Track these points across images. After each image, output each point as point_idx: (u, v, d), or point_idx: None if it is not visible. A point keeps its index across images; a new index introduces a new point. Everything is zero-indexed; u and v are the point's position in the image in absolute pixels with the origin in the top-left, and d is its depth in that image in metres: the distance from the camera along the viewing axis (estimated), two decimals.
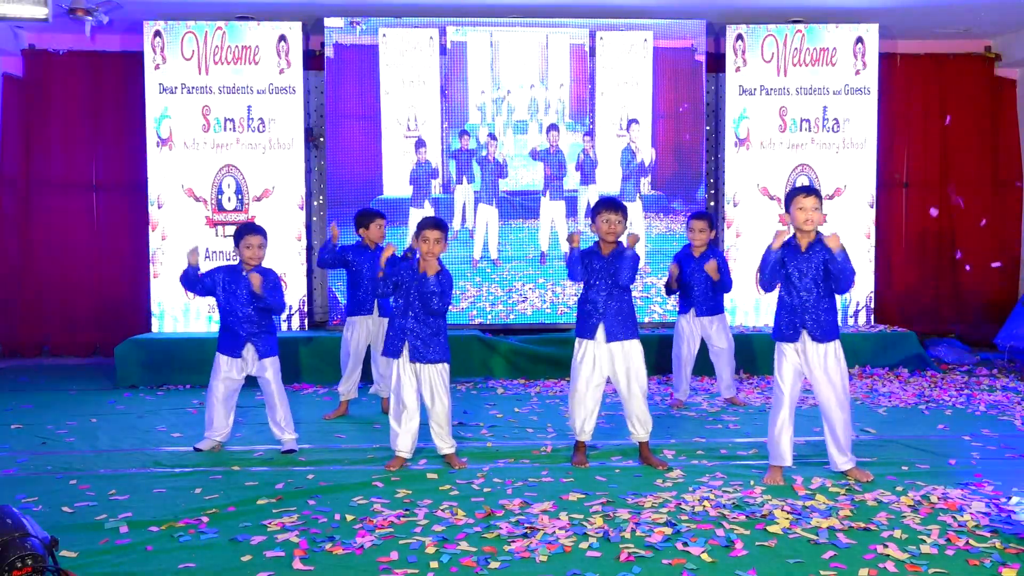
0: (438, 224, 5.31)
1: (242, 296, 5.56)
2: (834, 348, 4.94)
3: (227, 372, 5.62)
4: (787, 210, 5.04)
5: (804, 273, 4.90)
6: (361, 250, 6.68)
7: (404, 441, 5.34)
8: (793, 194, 4.97)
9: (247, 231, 5.63)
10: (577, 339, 5.31)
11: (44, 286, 9.45)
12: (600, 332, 5.19)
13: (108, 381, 8.18)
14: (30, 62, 9.42)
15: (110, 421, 6.66)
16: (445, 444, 5.39)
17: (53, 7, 6.08)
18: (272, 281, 5.61)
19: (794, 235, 4.97)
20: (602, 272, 5.20)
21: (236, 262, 5.74)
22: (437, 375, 5.31)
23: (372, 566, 3.81)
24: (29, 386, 8.07)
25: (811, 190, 4.96)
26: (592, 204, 5.34)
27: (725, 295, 7.04)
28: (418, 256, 5.29)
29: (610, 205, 5.22)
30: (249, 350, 5.60)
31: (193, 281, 5.62)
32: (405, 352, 5.28)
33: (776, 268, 4.95)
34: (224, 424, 5.71)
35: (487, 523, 4.31)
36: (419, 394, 5.33)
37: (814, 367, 4.93)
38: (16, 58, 9.41)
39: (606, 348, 5.19)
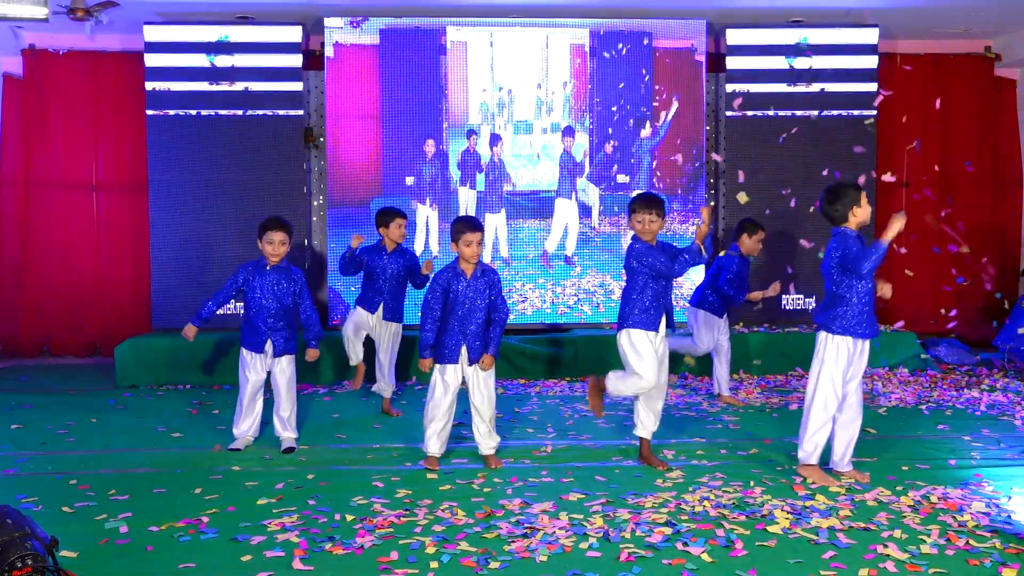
0: (478, 225, 5.35)
1: (264, 287, 5.58)
2: (818, 336, 5.05)
3: (252, 368, 5.65)
4: (848, 206, 4.95)
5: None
6: (377, 251, 6.60)
7: (440, 442, 5.38)
8: (857, 193, 4.95)
9: (269, 226, 5.62)
10: (642, 331, 5.20)
11: (44, 286, 9.45)
12: (663, 324, 5.25)
13: (108, 381, 8.18)
14: (30, 62, 9.42)
15: (110, 421, 6.66)
16: (491, 442, 5.42)
17: (53, 7, 6.10)
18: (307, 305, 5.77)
19: (859, 230, 4.99)
20: (661, 264, 5.18)
21: (259, 257, 5.72)
22: (490, 371, 5.37)
23: (372, 566, 3.81)
24: (29, 386, 8.07)
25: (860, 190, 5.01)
26: (630, 200, 5.33)
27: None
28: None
29: (645, 203, 5.20)
30: (269, 345, 5.63)
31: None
32: (463, 357, 5.31)
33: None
34: (248, 426, 5.77)
35: (487, 523, 4.32)
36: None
37: (859, 362, 4.98)
38: (16, 58, 9.41)
39: (662, 339, 5.26)
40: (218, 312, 5.82)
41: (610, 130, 8.97)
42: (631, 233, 5.33)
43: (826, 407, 4.96)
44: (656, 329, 5.22)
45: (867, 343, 4.99)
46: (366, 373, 6.91)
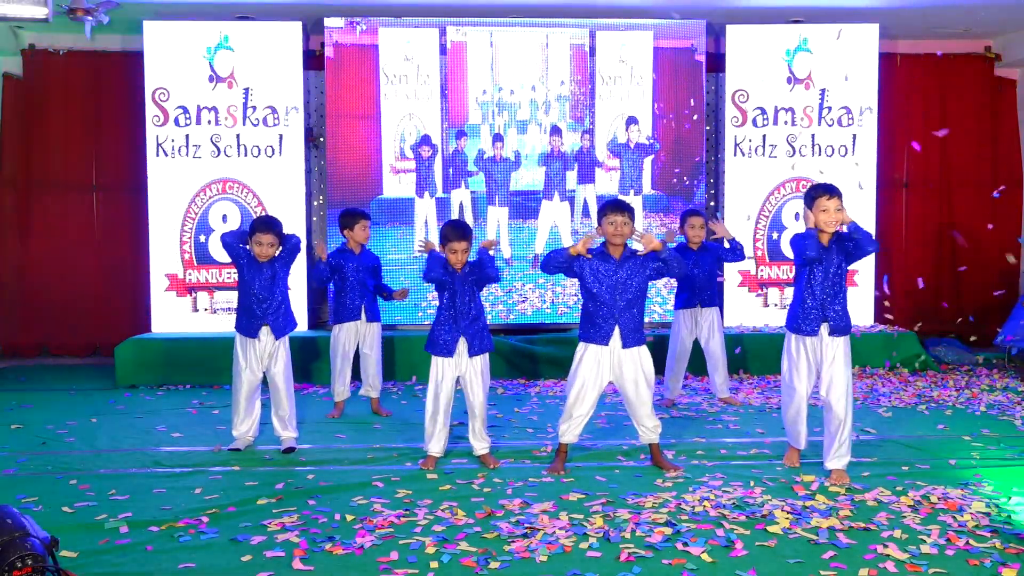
0: (465, 234, 5.29)
1: (261, 280, 5.58)
2: (844, 342, 4.98)
3: (245, 365, 5.63)
4: (808, 206, 4.95)
5: (828, 268, 4.93)
6: (346, 254, 6.61)
7: (440, 441, 5.37)
8: (815, 194, 4.89)
9: (259, 228, 5.61)
10: (582, 343, 5.18)
11: (44, 286, 9.45)
12: (615, 338, 5.10)
13: (108, 381, 8.18)
14: (30, 62, 9.42)
15: (110, 421, 6.66)
16: (484, 443, 5.43)
17: (53, 7, 6.10)
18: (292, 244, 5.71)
19: (815, 230, 4.94)
20: (613, 277, 5.08)
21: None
22: (484, 365, 5.36)
23: (372, 566, 3.81)
24: (29, 386, 8.07)
25: (834, 191, 4.89)
26: (598, 206, 5.29)
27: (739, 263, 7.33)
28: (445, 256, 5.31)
29: (615, 207, 5.10)
30: (265, 331, 5.61)
31: (232, 242, 5.66)
32: (460, 351, 5.29)
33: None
34: (247, 428, 5.76)
35: (487, 523, 4.31)
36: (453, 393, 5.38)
37: (826, 361, 4.96)
38: (16, 58, 9.41)
39: (619, 354, 5.10)
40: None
41: (610, 130, 8.97)
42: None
43: (788, 396, 5.12)
44: (597, 342, 5.10)
45: (835, 342, 4.94)
46: (353, 375, 6.86)
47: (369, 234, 6.71)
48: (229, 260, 5.92)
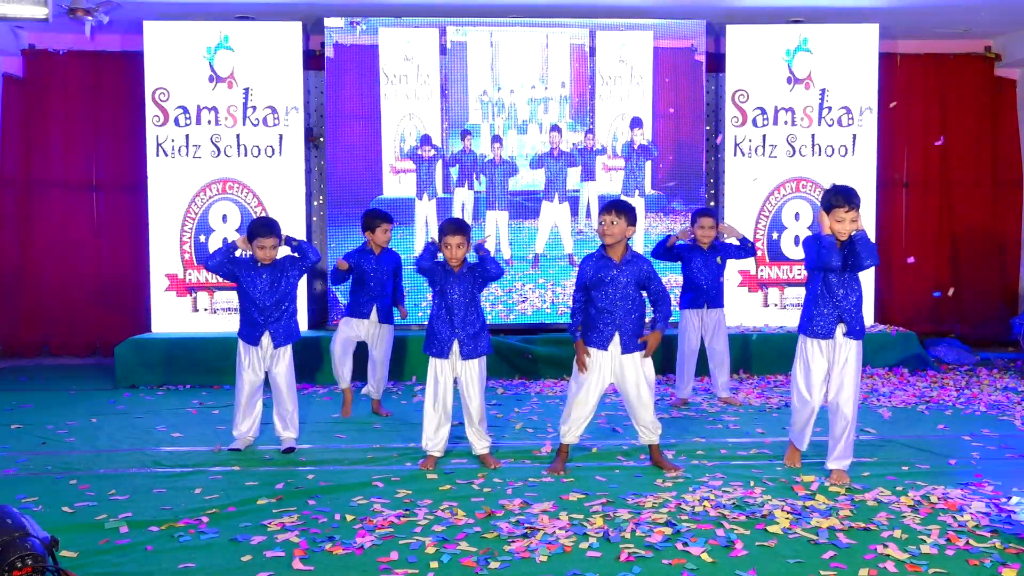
0: (460, 228, 5.31)
1: (260, 286, 5.58)
2: (857, 345, 4.97)
3: (248, 365, 5.63)
4: (825, 210, 4.93)
5: (842, 269, 4.91)
6: (365, 255, 6.62)
7: (440, 441, 5.37)
8: (835, 203, 4.86)
9: (261, 232, 5.58)
10: (584, 346, 5.17)
11: (44, 286, 9.45)
12: (615, 343, 5.09)
13: (108, 381, 8.18)
14: (30, 62, 9.42)
15: (110, 421, 6.66)
16: (484, 442, 5.43)
17: (53, 7, 6.08)
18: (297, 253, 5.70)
19: (833, 237, 4.91)
20: (614, 281, 5.06)
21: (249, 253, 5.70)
22: (479, 369, 5.35)
23: (372, 566, 3.81)
24: (29, 386, 8.07)
25: (853, 202, 4.85)
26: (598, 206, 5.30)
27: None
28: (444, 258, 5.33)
29: (605, 207, 5.11)
30: (267, 338, 5.60)
31: (222, 262, 5.61)
32: (454, 352, 5.29)
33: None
34: (248, 427, 5.75)
35: (487, 523, 4.31)
36: (454, 394, 5.37)
37: (838, 364, 4.95)
38: (16, 58, 9.41)
39: (619, 359, 5.08)
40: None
41: (610, 130, 8.97)
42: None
43: (801, 405, 5.08)
44: (597, 346, 5.09)
45: (848, 344, 4.93)
46: (354, 374, 6.84)
47: (390, 237, 6.66)
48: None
